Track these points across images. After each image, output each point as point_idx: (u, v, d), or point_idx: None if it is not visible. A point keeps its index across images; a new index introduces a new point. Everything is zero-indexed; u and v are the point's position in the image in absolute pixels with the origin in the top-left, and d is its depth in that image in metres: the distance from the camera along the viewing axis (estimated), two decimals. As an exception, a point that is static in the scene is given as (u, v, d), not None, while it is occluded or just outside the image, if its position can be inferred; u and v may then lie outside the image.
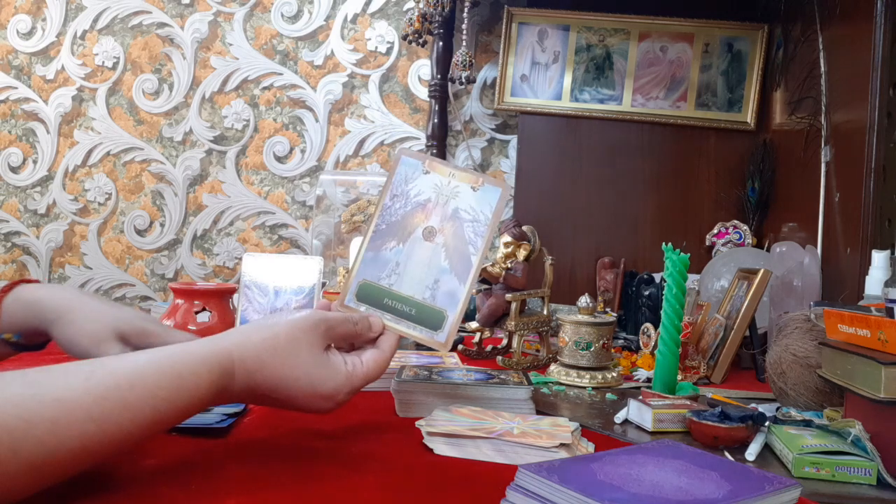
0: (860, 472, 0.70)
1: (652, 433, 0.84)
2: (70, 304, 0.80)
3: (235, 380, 0.64)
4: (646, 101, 1.88)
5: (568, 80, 1.91)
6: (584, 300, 1.15)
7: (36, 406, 0.51)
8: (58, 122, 2.10)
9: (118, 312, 0.80)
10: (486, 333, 1.31)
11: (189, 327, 1.19)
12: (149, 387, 0.57)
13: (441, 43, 1.95)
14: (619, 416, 0.89)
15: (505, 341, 1.34)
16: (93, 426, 0.53)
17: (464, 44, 1.68)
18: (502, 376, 0.92)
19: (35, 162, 2.11)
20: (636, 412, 0.88)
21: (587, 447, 0.75)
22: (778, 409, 0.91)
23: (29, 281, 0.84)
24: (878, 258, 1.04)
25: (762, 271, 1.20)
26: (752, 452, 0.77)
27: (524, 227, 1.32)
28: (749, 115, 1.83)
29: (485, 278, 1.31)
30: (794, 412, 0.87)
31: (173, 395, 0.58)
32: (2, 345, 0.80)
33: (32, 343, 0.83)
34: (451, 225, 0.81)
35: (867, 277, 1.06)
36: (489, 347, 1.32)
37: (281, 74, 2.06)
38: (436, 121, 1.97)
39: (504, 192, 0.82)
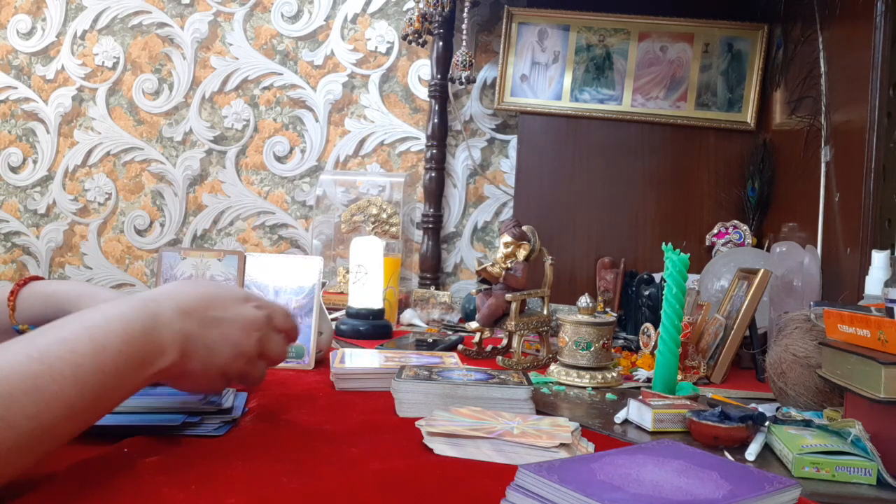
0: (860, 472, 0.70)
1: (652, 433, 0.84)
2: (87, 294, 0.82)
3: (161, 302, 0.66)
4: (646, 101, 1.88)
5: (568, 80, 1.91)
6: (584, 300, 1.15)
7: None
8: (58, 122, 2.10)
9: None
10: (486, 333, 1.31)
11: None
12: (76, 323, 0.60)
13: (441, 43, 1.95)
14: (619, 416, 0.89)
15: (505, 341, 1.34)
16: (36, 365, 0.54)
17: (464, 44, 1.67)
18: (502, 376, 0.92)
19: (35, 162, 2.11)
20: (636, 412, 0.88)
21: (587, 447, 0.75)
22: (778, 409, 0.91)
23: (41, 278, 0.85)
24: (878, 258, 1.04)
25: (762, 271, 1.20)
26: (752, 452, 0.77)
27: (524, 227, 1.32)
28: (749, 115, 1.83)
29: (485, 278, 1.31)
30: (794, 412, 0.87)
31: (102, 322, 0.60)
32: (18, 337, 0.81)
33: None
34: None
35: (867, 277, 1.06)
36: (489, 347, 1.33)
37: (281, 74, 2.06)
38: (436, 121, 1.97)
39: (240, 258, 1.10)
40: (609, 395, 1.04)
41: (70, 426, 0.57)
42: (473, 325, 1.32)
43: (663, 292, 1.05)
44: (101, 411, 0.60)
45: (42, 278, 0.86)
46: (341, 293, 1.77)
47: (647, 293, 1.46)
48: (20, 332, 0.81)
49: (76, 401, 0.56)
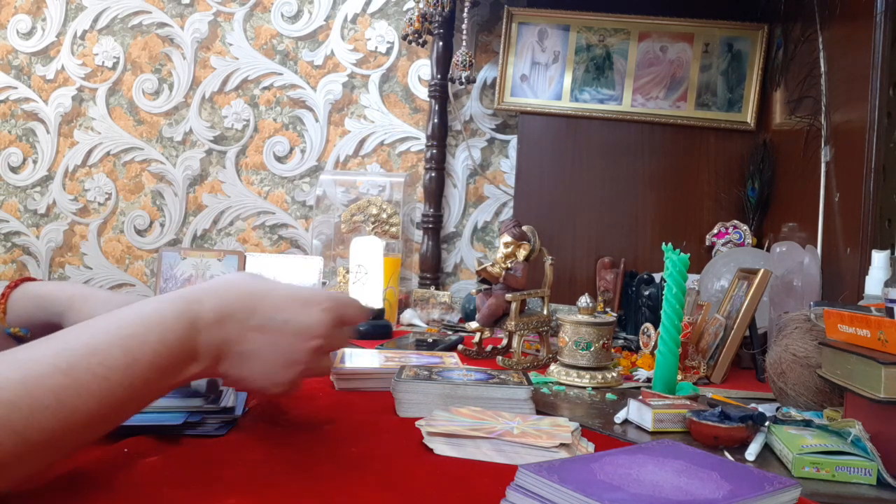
0: (860, 472, 0.70)
1: (652, 433, 0.84)
2: (79, 295, 0.80)
3: (203, 304, 0.62)
4: (646, 101, 1.88)
5: (568, 80, 1.91)
6: (584, 300, 1.15)
7: (1, 366, 0.50)
8: (58, 122, 2.10)
9: (128, 298, 0.80)
10: (486, 333, 1.31)
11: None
12: (111, 330, 0.57)
13: (441, 43, 1.95)
14: (619, 416, 0.89)
15: (505, 341, 1.34)
16: (62, 377, 0.52)
17: (464, 44, 1.67)
18: (502, 376, 0.92)
19: (35, 162, 2.11)
20: (636, 412, 0.88)
21: (587, 447, 0.75)
22: (778, 409, 0.91)
23: (33, 279, 0.84)
24: (878, 258, 1.04)
25: (762, 271, 1.20)
26: (752, 452, 0.77)
27: (524, 227, 1.32)
28: (749, 115, 1.83)
29: (485, 278, 1.31)
30: (794, 412, 0.87)
31: (140, 330, 0.57)
32: (10, 340, 0.80)
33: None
34: None
35: (867, 277, 1.06)
36: (489, 347, 1.32)
37: (281, 74, 2.06)
38: (436, 121, 1.97)
39: (240, 258, 1.10)
40: (609, 395, 1.04)
41: (85, 436, 0.55)
42: (473, 325, 1.32)
43: (663, 292, 1.05)
44: (120, 421, 0.59)
45: (35, 279, 0.85)
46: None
47: (647, 293, 1.46)
48: (13, 336, 0.79)
49: (97, 415, 0.54)
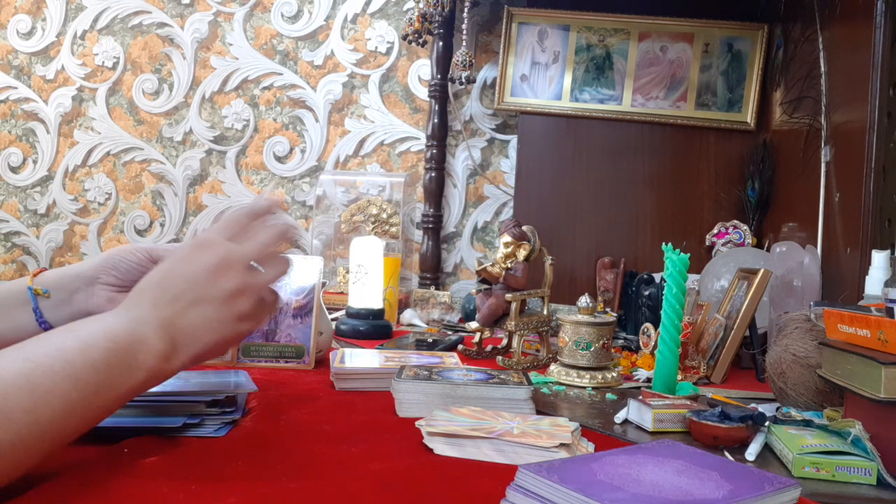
0: (860, 472, 0.70)
1: (652, 433, 0.84)
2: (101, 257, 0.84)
3: (134, 302, 0.66)
4: (646, 101, 1.88)
5: (568, 80, 1.91)
6: (584, 300, 1.15)
7: None
8: (58, 122, 2.10)
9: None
10: (486, 333, 1.31)
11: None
12: (64, 331, 0.62)
13: (441, 43, 1.95)
14: (619, 416, 0.89)
15: (505, 341, 1.34)
16: (25, 363, 0.55)
17: (464, 44, 1.67)
18: (502, 376, 0.92)
19: (35, 162, 2.11)
20: (636, 412, 0.88)
21: (587, 447, 0.75)
22: (778, 409, 0.91)
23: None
24: (878, 258, 1.04)
25: (762, 271, 1.20)
26: (752, 452, 0.77)
27: (524, 227, 1.32)
28: (749, 115, 1.83)
29: (485, 278, 1.31)
30: (794, 412, 0.87)
31: (90, 324, 0.63)
32: (24, 310, 0.81)
33: (56, 321, 0.83)
34: None
35: (867, 277, 1.06)
36: (489, 347, 1.33)
37: (281, 74, 2.06)
38: (436, 121, 1.97)
39: None
40: (609, 395, 1.04)
41: (70, 423, 0.57)
42: (473, 325, 1.32)
43: (663, 292, 1.05)
44: (100, 409, 0.60)
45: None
46: (341, 293, 1.77)
47: (647, 293, 1.46)
48: (33, 294, 0.80)
49: (72, 394, 0.56)
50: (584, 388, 1.09)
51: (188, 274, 0.68)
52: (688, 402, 0.88)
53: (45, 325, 0.80)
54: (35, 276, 0.82)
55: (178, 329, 0.66)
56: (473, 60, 1.69)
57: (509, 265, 1.29)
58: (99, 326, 0.63)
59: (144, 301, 0.67)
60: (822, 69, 1.46)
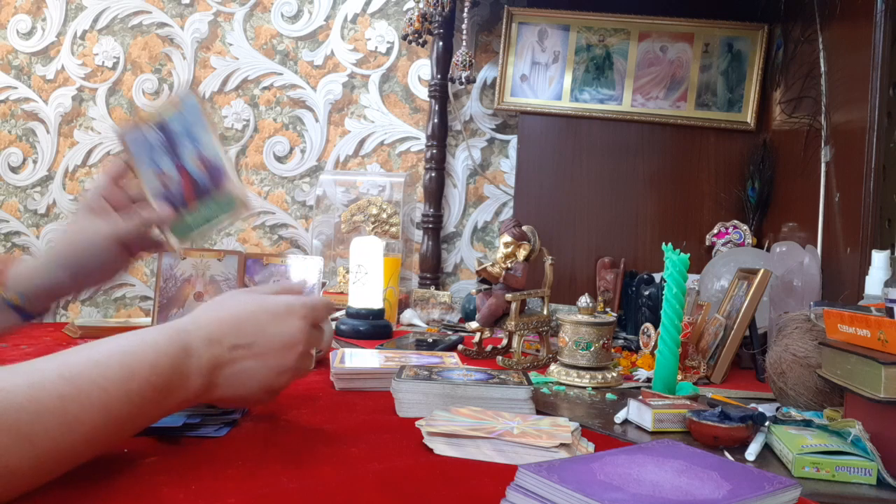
0: (860, 472, 0.70)
1: (652, 433, 0.84)
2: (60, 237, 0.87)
3: (191, 333, 0.66)
4: (646, 101, 1.88)
5: (568, 80, 1.91)
6: (584, 300, 1.15)
7: (7, 373, 0.52)
8: (58, 122, 2.10)
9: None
10: (486, 333, 1.31)
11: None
12: (112, 348, 0.60)
13: (441, 43, 1.95)
14: (619, 416, 0.89)
15: (505, 341, 1.34)
16: (65, 384, 0.54)
17: (464, 44, 1.67)
18: (502, 376, 0.92)
19: (35, 162, 2.11)
20: (636, 412, 0.88)
21: (587, 447, 0.75)
22: (778, 409, 0.91)
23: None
24: (878, 258, 1.04)
25: (762, 271, 1.20)
26: (752, 452, 0.77)
27: (524, 227, 1.32)
28: (749, 115, 1.83)
29: (485, 278, 1.31)
30: (794, 412, 0.87)
31: (136, 349, 0.61)
32: (9, 313, 0.83)
33: (35, 310, 0.85)
34: (212, 287, 1.15)
35: (867, 277, 1.06)
36: (489, 347, 1.32)
37: (281, 74, 2.06)
38: (436, 121, 1.97)
39: (239, 258, 1.12)
40: (609, 395, 1.04)
41: (88, 451, 0.57)
42: (473, 325, 1.32)
43: (663, 292, 1.05)
44: (121, 437, 0.61)
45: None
46: (341, 293, 1.77)
47: (647, 293, 1.46)
48: (12, 306, 0.82)
49: (99, 426, 0.56)
50: (584, 388, 1.09)
51: (266, 332, 0.70)
52: (688, 402, 0.88)
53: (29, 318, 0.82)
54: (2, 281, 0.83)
55: (224, 374, 0.68)
56: (473, 60, 1.69)
57: (509, 265, 1.29)
58: (149, 355, 0.61)
59: (202, 332, 0.67)
60: (822, 69, 1.46)
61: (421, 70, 2.03)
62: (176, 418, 0.73)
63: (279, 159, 2.07)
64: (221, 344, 0.67)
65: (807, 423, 0.81)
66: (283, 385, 0.73)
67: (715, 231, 1.80)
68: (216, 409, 0.77)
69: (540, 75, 1.92)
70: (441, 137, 1.98)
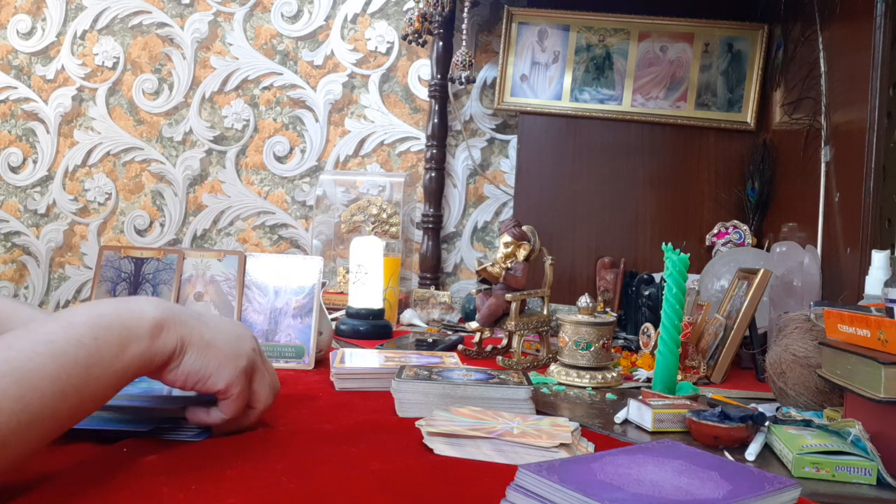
0: (860, 472, 0.70)
1: (652, 433, 0.84)
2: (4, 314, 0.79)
3: (147, 308, 0.64)
4: (646, 101, 1.88)
5: (568, 80, 1.91)
6: (584, 300, 1.15)
7: None
8: (58, 122, 2.10)
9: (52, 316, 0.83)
10: (486, 333, 1.31)
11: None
12: (60, 317, 0.59)
13: (441, 43, 1.95)
14: (619, 416, 0.89)
15: (505, 341, 1.34)
16: (9, 351, 0.53)
17: (464, 44, 1.67)
18: (502, 376, 0.92)
19: (35, 162, 2.11)
20: (636, 412, 0.88)
21: (587, 447, 0.75)
22: (778, 409, 0.91)
23: None
24: (878, 258, 1.04)
25: (762, 271, 1.20)
26: (752, 452, 0.77)
27: (524, 227, 1.32)
28: (749, 115, 1.83)
29: (485, 278, 1.31)
30: (794, 412, 0.87)
31: (79, 312, 0.60)
32: None
33: None
34: (212, 287, 1.14)
35: (867, 277, 1.06)
36: (489, 347, 1.32)
37: (281, 74, 2.06)
38: (436, 121, 1.97)
39: (240, 258, 1.12)
40: (609, 395, 1.04)
41: (63, 406, 0.55)
42: (473, 325, 1.32)
43: (663, 292, 1.05)
44: (95, 390, 0.58)
45: None
46: (341, 293, 1.77)
47: (647, 293, 1.46)
48: None
49: (60, 374, 0.54)
50: (584, 388, 1.09)
51: (221, 326, 0.70)
52: (688, 402, 0.88)
53: None
54: None
55: (190, 331, 0.66)
56: (473, 60, 1.69)
57: (509, 265, 1.29)
58: (82, 309, 0.60)
59: (149, 301, 0.66)
60: (822, 69, 1.46)
61: (421, 70, 2.03)
62: (144, 425, 0.73)
63: (279, 159, 2.07)
64: (181, 317, 0.66)
65: (807, 423, 0.81)
66: (242, 369, 0.70)
67: (715, 231, 1.80)
68: (197, 397, 0.75)
69: (540, 75, 1.92)
70: (441, 137, 1.98)
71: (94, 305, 0.62)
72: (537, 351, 1.31)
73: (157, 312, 0.64)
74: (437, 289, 1.94)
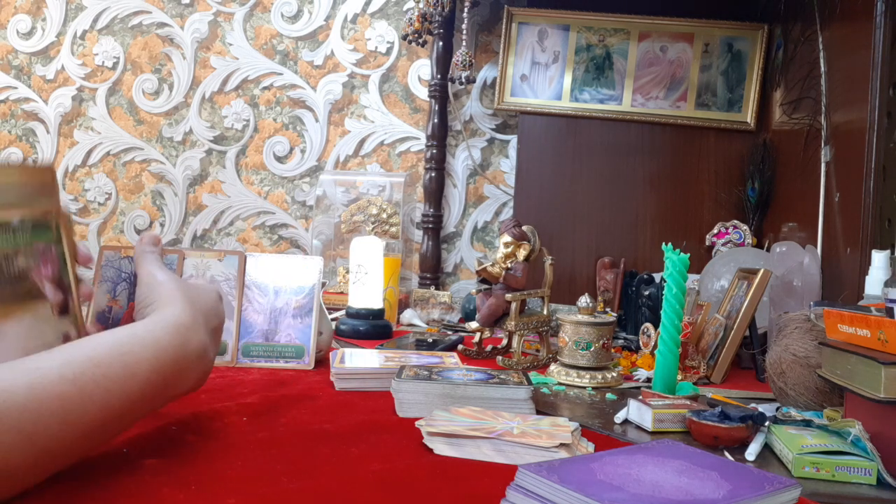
0: (860, 472, 0.70)
1: (652, 433, 0.84)
2: None
3: (190, 328, 0.68)
4: (646, 101, 1.88)
5: (568, 80, 1.91)
6: (584, 300, 1.15)
7: (9, 373, 0.52)
8: (58, 122, 2.11)
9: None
10: (486, 333, 1.31)
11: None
12: (112, 345, 0.60)
13: (441, 43, 1.95)
14: (619, 416, 0.89)
15: (505, 341, 1.34)
16: (67, 386, 0.54)
17: (464, 44, 1.67)
18: (502, 376, 0.92)
19: (35, 162, 2.11)
20: (636, 412, 0.88)
21: (587, 447, 0.75)
22: (778, 409, 0.91)
23: None
24: (878, 258, 1.04)
25: (762, 271, 1.20)
26: (752, 452, 0.77)
27: (524, 227, 1.32)
28: (749, 115, 1.83)
29: (485, 278, 1.31)
30: (794, 412, 0.87)
31: (136, 348, 0.61)
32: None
33: None
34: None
35: (867, 277, 1.06)
36: (489, 347, 1.32)
37: (281, 74, 2.06)
38: (436, 121, 1.97)
39: (240, 258, 1.13)
40: (609, 395, 1.04)
41: (88, 446, 0.58)
42: (473, 325, 1.32)
43: (663, 292, 1.05)
44: (118, 431, 0.61)
45: None
46: (341, 293, 1.77)
47: (647, 293, 1.46)
48: None
49: (99, 423, 0.56)
50: (584, 388, 1.09)
51: (209, 303, 0.75)
52: (688, 402, 0.88)
53: None
54: None
55: (209, 355, 0.72)
56: (473, 60, 1.69)
57: (509, 265, 1.29)
58: (149, 353, 0.62)
59: (199, 324, 0.70)
60: (822, 69, 1.46)
61: (421, 70, 2.03)
62: None
63: (279, 159, 2.07)
64: (212, 334, 0.72)
65: (807, 423, 0.82)
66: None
67: (715, 231, 1.80)
68: None
69: (540, 75, 1.92)
70: (441, 137, 1.98)
71: (158, 350, 0.63)
72: (537, 351, 1.31)
73: (200, 370, 0.70)
74: (437, 289, 1.94)
